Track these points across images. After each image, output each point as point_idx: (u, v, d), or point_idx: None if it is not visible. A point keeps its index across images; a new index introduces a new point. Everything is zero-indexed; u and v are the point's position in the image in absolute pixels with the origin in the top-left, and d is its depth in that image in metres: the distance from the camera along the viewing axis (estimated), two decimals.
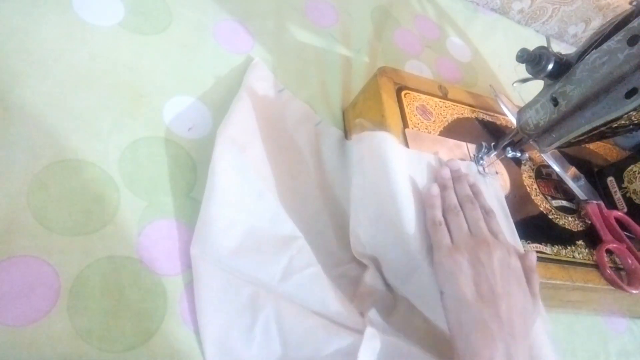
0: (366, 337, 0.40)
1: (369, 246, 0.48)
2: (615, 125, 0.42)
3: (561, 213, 0.57)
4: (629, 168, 0.61)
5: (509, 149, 0.51)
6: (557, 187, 0.60)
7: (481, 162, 0.52)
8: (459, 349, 0.37)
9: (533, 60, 0.42)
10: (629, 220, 0.58)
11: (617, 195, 0.61)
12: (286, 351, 0.40)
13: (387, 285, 0.49)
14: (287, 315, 0.41)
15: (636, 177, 0.60)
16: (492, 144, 0.51)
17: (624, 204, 0.60)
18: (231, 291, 0.42)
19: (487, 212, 0.44)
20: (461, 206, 0.44)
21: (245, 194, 0.45)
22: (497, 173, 0.54)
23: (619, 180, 0.62)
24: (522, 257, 0.43)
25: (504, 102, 0.54)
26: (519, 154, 0.51)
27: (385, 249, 0.47)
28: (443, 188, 0.45)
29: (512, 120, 0.49)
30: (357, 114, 0.59)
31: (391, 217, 0.45)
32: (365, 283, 0.48)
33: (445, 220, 0.43)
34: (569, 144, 0.46)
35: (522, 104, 0.48)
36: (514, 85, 0.47)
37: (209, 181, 0.44)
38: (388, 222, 0.46)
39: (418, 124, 0.54)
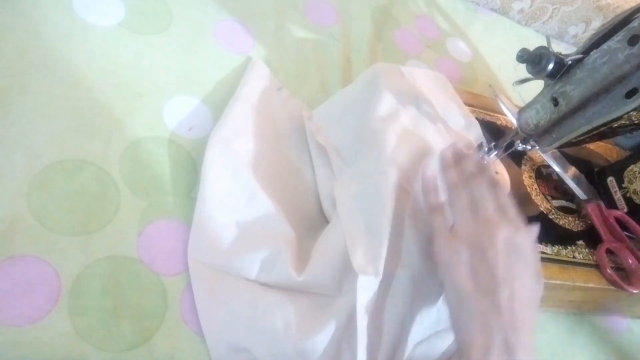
0: (360, 288, 0.39)
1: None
2: (616, 125, 0.42)
3: (561, 213, 0.57)
4: (629, 168, 0.61)
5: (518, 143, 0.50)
6: (557, 187, 0.60)
7: None
8: (457, 340, 0.36)
9: (533, 60, 0.42)
10: (629, 220, 0.58)
11: (617, 195, 0.61)
12: (290, 330, 0.40)
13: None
14: (288, 297, 0.41)
15: (636, 177, 0.60)
16: (492, 144, 0.51)
17: (624, 204, 0.60)
18: (229, 289, 0.42)
19: (493, 187, 0.41)
20: (466, 184, 0.42)
21: (239, 194, 0.45)
22: (497, 173, 0.54)
23: (619, 180, 0.62)
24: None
25: (504, 102, 0.54)
26: (528, 147, 0.49)
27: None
28: (445, 167, 0.44)
29: (512, 120, 0.49)
30: None
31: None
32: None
33: (449, 200, 0.41)
34: (569, 144, 0.46)
35: (522, 104, 0.48)
36: (514, 85, 0.47)
37: (202, 183, 0.45)
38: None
39: None
